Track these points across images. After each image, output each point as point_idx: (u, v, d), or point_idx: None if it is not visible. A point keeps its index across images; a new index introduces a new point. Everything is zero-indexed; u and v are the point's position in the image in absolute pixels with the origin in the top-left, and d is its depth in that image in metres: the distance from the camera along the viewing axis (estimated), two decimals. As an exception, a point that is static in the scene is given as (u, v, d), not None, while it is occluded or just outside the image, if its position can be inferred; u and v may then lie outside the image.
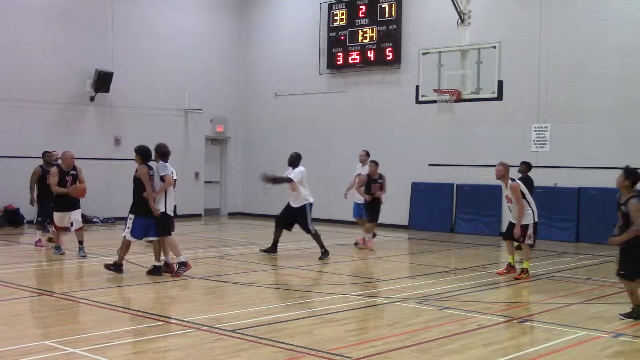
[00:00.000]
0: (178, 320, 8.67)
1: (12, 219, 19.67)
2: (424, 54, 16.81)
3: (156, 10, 23.29)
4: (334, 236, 19.28)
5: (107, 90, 21.53)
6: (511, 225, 12.36)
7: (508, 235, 12.49)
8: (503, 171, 12.13)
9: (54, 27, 20.86)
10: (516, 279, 12.12)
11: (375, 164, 16.15)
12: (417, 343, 7.80)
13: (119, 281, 11.39)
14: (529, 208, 12.19)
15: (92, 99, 21.63)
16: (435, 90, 16.37)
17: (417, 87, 16.88)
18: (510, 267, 12.57)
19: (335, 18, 22.90)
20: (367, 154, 16.99)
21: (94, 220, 21.05)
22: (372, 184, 15.93)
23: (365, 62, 22.27)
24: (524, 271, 12.25)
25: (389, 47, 21.71)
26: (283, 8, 24.73)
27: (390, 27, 21.69)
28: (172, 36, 23.52)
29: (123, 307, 9.38)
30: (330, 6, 23.00)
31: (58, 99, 20.94)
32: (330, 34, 23.00)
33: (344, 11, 22.70)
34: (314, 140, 23.45)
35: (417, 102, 17.16)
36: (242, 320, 8.71)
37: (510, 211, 12.43)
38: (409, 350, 7.57)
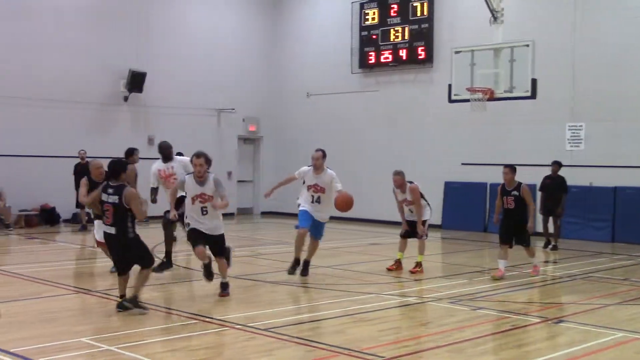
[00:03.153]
0: (211, 318, 8.72)
1: (48, 217, 19.96)
2: (456, 52, 16.71)
3: (189, 11, 23.45)
4: (365, 235, 19.28)
5: (140, 90, 21.74)
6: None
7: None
8: (401, 180, 12.56)
9: (88, 27, 21.09)
10: (412, 272, 12.40)
11: (511, 170, 12.37)
12: (450, 343, 7.76)
13: (155, 280, 11.47)
14: (428, 205, 12.83)
15: (125, 99, 21.85)
16: (468, 89, 16.26)
17: (450, 86, 16.79)
18: (399, 263, 12.81)
19: (366, 17, 22.86)
20: (324, 155, 11.65)
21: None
22: (506, 197, 12.36)
23: (397, 62, 22.20)
24: (419, 264, 12.52)
25: (421, 46, 21.62)
26: (315, 8, 24.75)
27: (423, 25, 21.60)
28: (204, 36, 23.66)
29: (158, 305, 9.45)
30: (361, 5, 22.96)
31: (92, 99, 21.19)
32: (362, 33, 22.96)
33: (375, 10, 22.65)
34: (346, 139, 23.44)
35: (450, 101, 17.06)
36: (275, 319, 8.74)
37: (411, 212, 12.76)
38: (442, 350, 7.53)
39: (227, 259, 10.40)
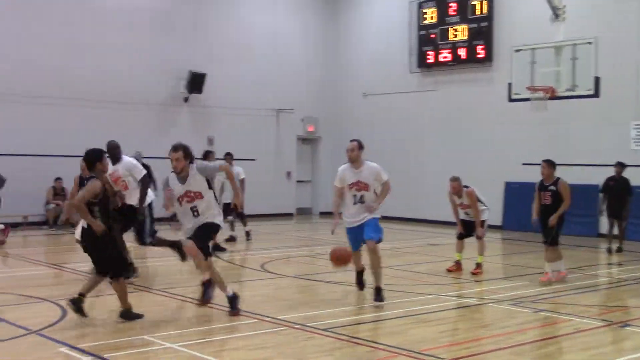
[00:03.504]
0: (271, 317, 8.78)
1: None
2: (516, 51, 16.52)
3: (248, 12, 23.64)
4: (423, 236, 19.17)
5: (200, 91, 22.02)
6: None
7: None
8: (458, 187, 12.53)
9: (148, 29, 21.43)
10: (473, 273, 12.31)
11: (549, 164, 11.76)
12: (511, 345, 7.66)
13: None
14: (485, 206, 12.85)
15: (185, 99, 22.16)
16: (528, 88, 16.06)
17: (510, 85, 16.61)
18: (459, 264, 12.72)
19: (425, 16, 22.73)
20: (360, 146, 10.19)
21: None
22: (543, 192, 11.80)
23: (456, 61, 22.01)
24: (479, 265, 12.53)
25: (480, 45, 21.39)
26: (372, 7, 24.71)
27: (482, 24, 21.36)
28: (263, 37, 23.82)
29: (218, 305, 9.55)
30: (420, 4, 22.84)
31: (153, 100, 21.54)
32: (421, 33, 22.83)
33: (434, 9, 22.50)
34: (405, 139, 23.34)
35: (510, 100, 16.87)
36: (334, 319, 8.75)
37: (467, 214, 12.76)
38: (503, 352, 7.44)
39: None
